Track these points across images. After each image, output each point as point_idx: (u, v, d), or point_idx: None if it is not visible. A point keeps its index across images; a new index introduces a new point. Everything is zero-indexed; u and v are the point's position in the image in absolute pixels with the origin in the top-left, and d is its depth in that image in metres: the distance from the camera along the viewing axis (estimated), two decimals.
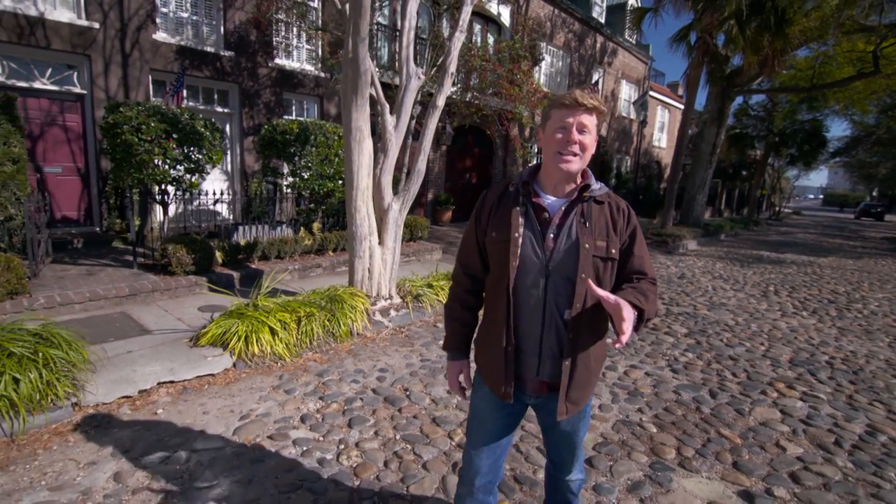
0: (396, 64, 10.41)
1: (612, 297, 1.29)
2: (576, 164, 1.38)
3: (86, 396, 3.05)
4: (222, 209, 8.23)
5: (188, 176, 5.84)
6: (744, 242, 14.88)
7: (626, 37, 19.83)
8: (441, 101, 4.91)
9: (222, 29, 8.76)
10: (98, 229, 7.81)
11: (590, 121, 1.37)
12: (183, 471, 2.47)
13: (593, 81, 17.37)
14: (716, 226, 15.84)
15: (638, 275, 1.47)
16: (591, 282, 1.33)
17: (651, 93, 21.72)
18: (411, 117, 5.74)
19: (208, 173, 6.39)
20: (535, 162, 2.31)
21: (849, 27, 13.32)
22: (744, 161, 25.12)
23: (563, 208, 1.44)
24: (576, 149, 1.36)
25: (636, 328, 1.32)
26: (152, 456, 2.58)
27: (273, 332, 3.89)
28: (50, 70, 7.29)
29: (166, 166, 5.61)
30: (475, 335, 1.67)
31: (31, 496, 2.25)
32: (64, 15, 7.15)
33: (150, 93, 8.10)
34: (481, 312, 1.65)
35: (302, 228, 7.46)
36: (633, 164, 21.83)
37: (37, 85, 7.16)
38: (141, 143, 5.30)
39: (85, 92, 7.54)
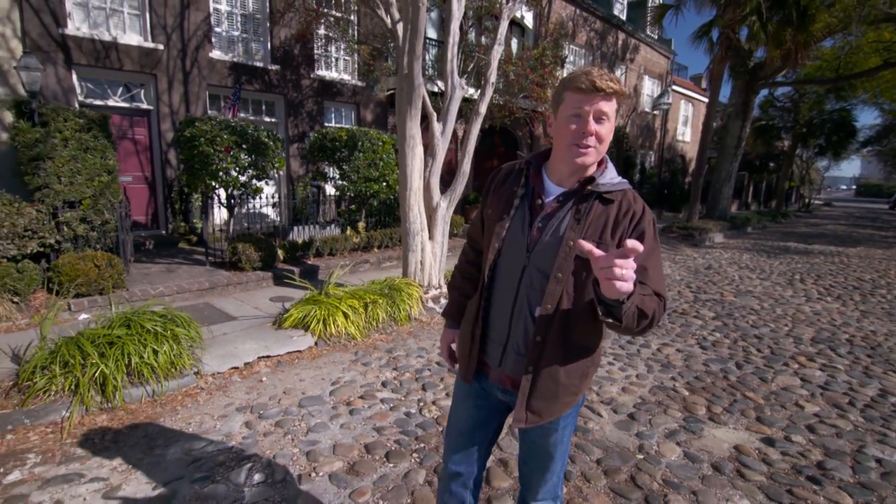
0: (429, 72, 10.98)
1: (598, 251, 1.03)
2: (591, 156, 1.22)
3: (203, 367, 3.67)
4: (270, 211, 8.93)
5: (255, 181, 6.50)
6: (771, 235, 14.98)
7: (648, 32, 19.99)
8: (483, 108, 5.43)
9: (269, 45, 9.46)
10: (164, 232, 8.57)
11: (609, 107, 1.18)
12: (298, 419, 3.05)
13: None
14: (742, 219, 15.94)
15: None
16: (581, 241, 1.04)
17: (674, 87, 21.78)
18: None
19: (271, 179, 7.07)
20: None
21: (874, 17, 13.34)
22: (771, 153, 24.91)
23: (559, 199, 1.30)
24: (591, 140, 1.19)
25: (634, 315, 1.12)
26: (270, 410, 3.17)
27: (346, 316, 4.47)
28: (121, 89, 8.07)
29: (235, 173, 6.27)
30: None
31: (186, 436, 2.85)
32: (133, 39, 7.92)
33: (206, 106, 8.84)
34: None
35: (348, 228, 8.07)
36: (657, 159, 21.94)
37: (110, 103, 7.95)
38: (216, 153, 5.98)
39: (151, 107, 8.31)
